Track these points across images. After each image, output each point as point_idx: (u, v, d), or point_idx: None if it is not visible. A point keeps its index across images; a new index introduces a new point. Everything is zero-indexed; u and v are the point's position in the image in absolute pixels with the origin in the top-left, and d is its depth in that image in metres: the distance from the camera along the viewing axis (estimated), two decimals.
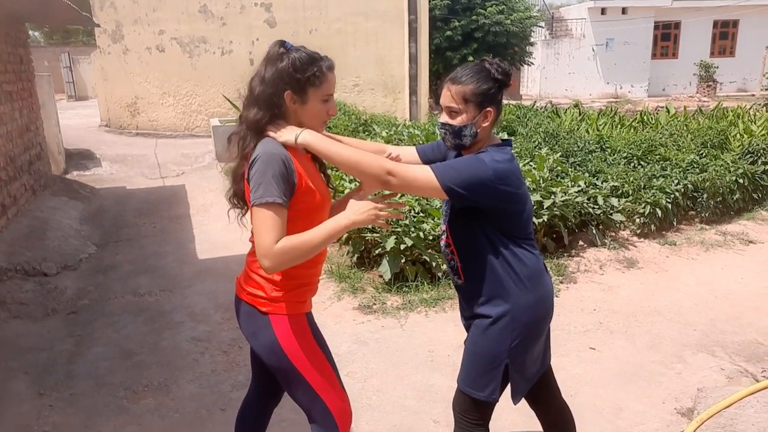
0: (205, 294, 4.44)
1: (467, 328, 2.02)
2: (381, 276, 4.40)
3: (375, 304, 4.14)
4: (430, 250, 4.44)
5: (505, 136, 7.34)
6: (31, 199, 6.39)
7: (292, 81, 1.72)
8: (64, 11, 6.06)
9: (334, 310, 4.07)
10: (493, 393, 1.88)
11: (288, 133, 1.74)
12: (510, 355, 1.85)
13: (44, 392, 3.16)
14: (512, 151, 1.89)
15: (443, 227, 2.00)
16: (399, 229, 4.38)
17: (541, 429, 2.18)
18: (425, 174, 1.76)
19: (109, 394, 3.14)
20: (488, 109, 1.83)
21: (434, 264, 4.40)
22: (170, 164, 9.55)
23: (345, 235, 4.82)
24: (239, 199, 1.88)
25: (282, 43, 1.78)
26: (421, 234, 4.38)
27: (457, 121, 1.84)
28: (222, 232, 5.95)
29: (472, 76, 1.82)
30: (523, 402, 2.08)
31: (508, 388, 1.94)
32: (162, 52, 12.09)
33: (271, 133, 1.75)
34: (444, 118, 1.88)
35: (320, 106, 1.78)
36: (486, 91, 1.81)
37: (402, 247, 4.29)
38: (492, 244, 1.84)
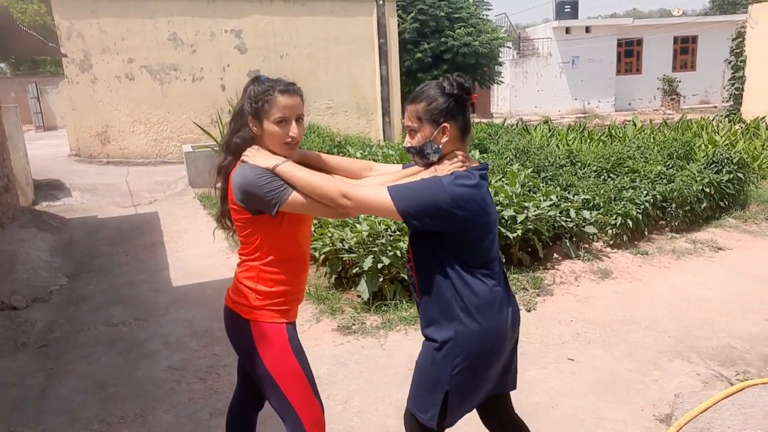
0: (180, 322, 4.37)
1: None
2: (359, 296, 4.39)
3: (354, 324, 4.12)
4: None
5: (477, 154, 7.44)
6: None
7: (250, 108, 1.86)
8: (30, 42, 6.00)
9: (312, 333, 4.04)
10: (432, 418, 1.83)
11: (265, 160, 1.82)
12: (450, 383, 1.81)
13: (14, 429, 3.05)
14: (484, 173, 1.83)
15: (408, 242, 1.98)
16: (376, 249, 4.38)
17: None
18: (381, 196, 1.73)
19: (83, 428, 3.05)
20: (444, 124, 1.79)
21: (412, 282, 4.40)
22: (143, 192, 9.43)
23: (321, 256, 4.81)
24: (228, 218, 1.99)
25: (255, 78, 1.91)
26: (398, 252, 4.39)
27: (416, 141, 1.83)
28: (197, 259, 5.88)
29: (425, 93, 1.81)
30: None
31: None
32: (132, 80, 12.02)
33: (245, 157, 1.85)
34: (406, 140, 1.87)
35: (275, 129, 1.83)
36: (439, 107, 1.78)
37: (379, 266, 4.29)
38: (444, 268, 1.80)
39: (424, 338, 1.91)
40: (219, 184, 1.98)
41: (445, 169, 1.80)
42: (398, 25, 14.55)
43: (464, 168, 1.80)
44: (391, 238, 4.50)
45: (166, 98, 12.27)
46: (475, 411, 2.03)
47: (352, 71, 13.31)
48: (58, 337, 4.20)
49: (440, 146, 1.82)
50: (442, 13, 16.32)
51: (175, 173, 10.55)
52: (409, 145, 1.86)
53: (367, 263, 4.26)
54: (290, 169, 1.79)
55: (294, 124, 1.85)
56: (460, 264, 1.79)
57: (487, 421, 2.12)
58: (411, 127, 1.83)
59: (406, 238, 4.51)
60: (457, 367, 1.80)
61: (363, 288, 4.32)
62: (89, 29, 11.58)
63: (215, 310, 4.52)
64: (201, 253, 6.06)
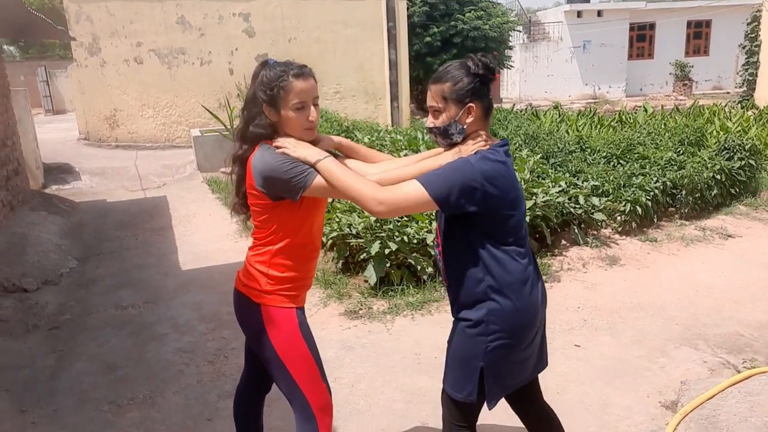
0: (189, 305, 4.40)
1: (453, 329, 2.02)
2: (366, 281, 4.40)
3: (361, 309, 4.14)
4: (414, 254, 4.45)
5: None
6: (10, 215, 6.29)
7: (265, 95, 1.82)
8: (39, 26, 6.00)
9: (320, 317, 4.06)
10: (470, 394, 1.86)
11: (306, 152, 1.80)
12: (485, 360, 1.82)
13: (26, 409, 3.11)
14: (507, 149, 1.84)
15: (435, 226, 1.98)
16: (383, 234, 4.39)
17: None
18: (413, 191, 1.71)
19: (93, 409, 3.09)
20: (470, 104, 1.78)
21: (419, 267, 4.41)
22: (151, 176, 9.47)
23: (329, 241, 4.82)
24: (241, 204, 1.98)
25: (264, 62, 1.88)
26: (406, 238, 4.39)
27: (440, 121, 1.82)
28: (205, 243, 5.91)
29: (450, 73, 1.80)
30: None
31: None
32: (140, 64, 12.01)
33: (284, 150, 1.80)
34: (429, 120, 1.86)
35: (293, 115, 1.81)
36: (465, 87, 1.78)
37: (387, 251, 4.29)
38: (475, 247, 1.80)
39: (455, 320, 1.92)
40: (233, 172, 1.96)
41: (469, 149, 1.80)
42: (407, 9, 14.40)
43: (487, 146, 1.80)
44: (399, 224, 4.49)
45: (174, 82, 12.26)
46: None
47: (361, 55, 13.22)
48: (68, 320, 4.25)
49: (465, 126, 1.81)
50: None
51: (184, 157, 10.57)
52: (432, 125, 1.85)
53: (375, 248, 4.26)
54: (330, 167, 1.77)
55: (312, 107, 1.84)
56: (492, 243, 1.80)
57: (519, 409, 2.12)
58: (435, 107, 1.82)
59: (413, 224, 4.51)
60: (491, 344, 1.81)
61: (370, 273, 4.33)
62: (98, 12, 11.55)
63: (224, 294, 4.56)
64: (209, 237, 6.09)
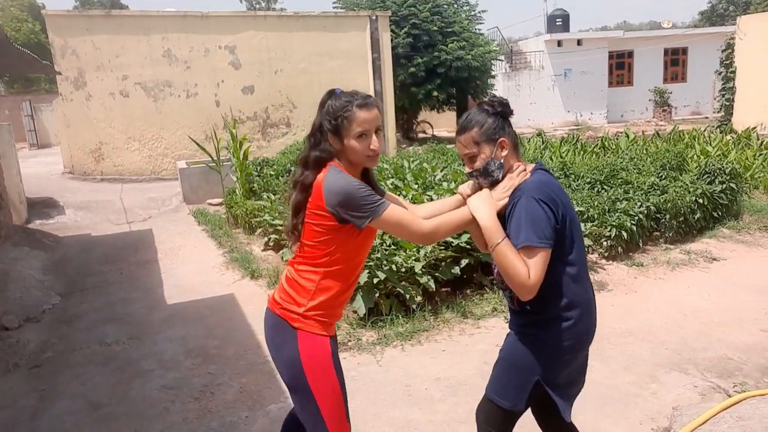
0: (174, 340, 4.33)
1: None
2: (355, 311, 4.37)
3: (350, 340, 4.09)
4: (403, 283, 4.43)
5: None
6: None
7: (329, 125, 1.89)
8: (24, 60, 6.01)
9: None
10: (516, 404, 1.94)
11: (490, 219, 1.87)
12: (542, 373, 1.90)
13: None
14: (544, 168, 1.96)
15: None
16: (372, 263, 4.37)
17: None
18: (541, 257, 1.77)
19: None
20: (501, 139, 1.91)
21: (408, 297, 4.39)
22: (137, 209, 9.41)
23: None
24: (298, 228, 1.96)
25: (330, 92, 1.94)
26: (394, 267, 4.38)
27: (478, 163, 1.93)
28: (191, 275, 5.85)
29: (474, 119, 1.94)
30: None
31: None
32: (126, 97, 12.04)
33: (474, 198, 1.93)
34: (467, 167, 1.98)
35: (356, 144, 1.87)
36: (491, 126, 1.92)
37: (375, 281, 4.27)
38: (550, 269, 1.85)
39: (516, 331, 1.98)
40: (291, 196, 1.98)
41: (515, 181, 1.90)
42: (391, 40, 14.65)
43: (527, 174, 1.92)
44: (386, 253, 4.49)
45: (160, 115, 12.29)
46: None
47: (346, 86, 13.09)
48: (50, 357, 4.16)
49: (501, 161, 1.92)
50: (435, 28, 16.45)
51: (170, 190, 10.53)
52: (471, 169, 1.96)
53: (363, 278, 4.24)
54: (504, 248, 1.79)
55: (374, 136, 1.89)
56: (561, 264, 1.86)
57: (545, 425, 2.16)
58: (469, 153, 1.94)
59: (401, 252, 4.50)
60: (549, 360, 1.89)
61: (359, 304, 4.29)
62: (83, 46, 11.61)
63: (209, 328, 4.49)
64: (195, 270, 6.03)
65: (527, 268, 1.76)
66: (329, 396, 1.88)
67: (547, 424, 2.16)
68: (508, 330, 2.05)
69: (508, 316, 2.08)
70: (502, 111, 1.94)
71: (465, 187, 2.10)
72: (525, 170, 1.93)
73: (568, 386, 1.98)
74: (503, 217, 1.89)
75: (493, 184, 1.95)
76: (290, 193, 1.97)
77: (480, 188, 2.01)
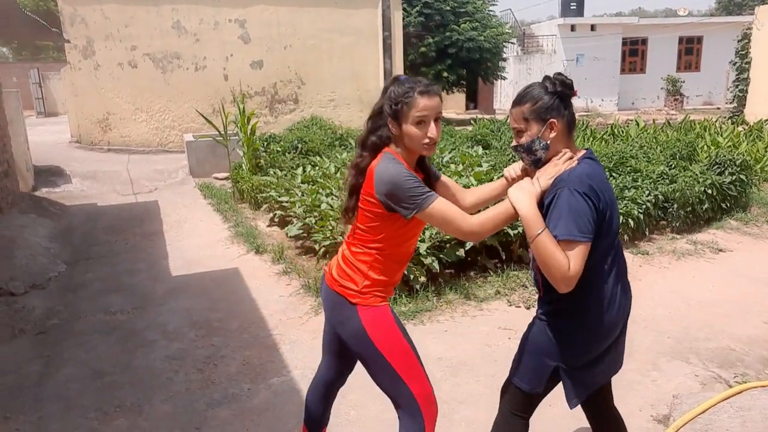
0: (178, 311, 4.36)
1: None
2: None
3: None
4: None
5: (480, 150, 7.42)
6: None
7: (390, 110, 1.90)
8: (33, 27, 5.97)
9: (311, 326, 4.03)
10: (534, 387, 1.96)
11: (531, 210, 1.82)
12: (563, 360, 1.91)
13: (11, 416, 3.05)
14: (592, 155, 1.91)
15: None
16: None
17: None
18: (579, 249, 1.74)
19: (79, 416, 3.04)
20: (551, 120, 1.86)
21: (412, 277, 4.39)
22: (143, 180, 9.42)
23: (322, 249, 4.79)
24: (351, 210, 2.02)
25: (395, 78, 1.96)
26: None
27: (524, 139, 1.90)
28: (196, 249, 5.87)
29: (530, 94, 1.90)
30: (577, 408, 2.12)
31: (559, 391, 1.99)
32: (134, 68, 11.99)
33: (518, 186, 1.91)
34: (515, 140, 1.96)
35: (414, 130, 1.87)
36: (544, 105, 1.86)
37: None
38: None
39: (540, 318, 1.98)
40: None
41: (560, 167, 1.85)
42: (403, 19, 14.48)
43: (575, 162, 1.87)
44: None
45: (168, 87, 12.24)
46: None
47: (356, 64, 13.26)
48: (55, 324, 4.19)
49: (548, 142, 1.87)
50: (448, 8, 16.25)
51: (176, 162, 10.53)
52: (516, 143, 1.94)
53: None
54: (544, 239, 1.75)
55: (432, 124, 1.88)
56: (592, 256, 1.80)
57: (591, 414, 2.18)
58: (518, 128, 1.91)
59: None
60: (571, 348, 1.90)
61: None
62: (93, 15, 11.53)
63: (214, 300, 4.52)
64: (200, 243, 6.04)
65: (567, 260, 1.73)
66: (400, 355, 1.97)
67: (593, 412, 2.18)
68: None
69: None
70: (561, 91, 1.87)
71: (510, 170, 2.08)
72: (572, 158, 1.88)
73: (586, 374, 1.95)
74: (542, 204, 1.86)
75: (535, 163, 1.92)
76: (348, 174, 2.01)
77: (524, 172, 1.99)
